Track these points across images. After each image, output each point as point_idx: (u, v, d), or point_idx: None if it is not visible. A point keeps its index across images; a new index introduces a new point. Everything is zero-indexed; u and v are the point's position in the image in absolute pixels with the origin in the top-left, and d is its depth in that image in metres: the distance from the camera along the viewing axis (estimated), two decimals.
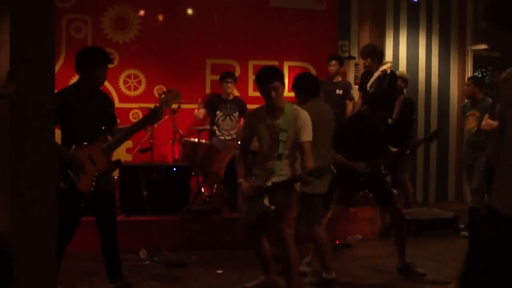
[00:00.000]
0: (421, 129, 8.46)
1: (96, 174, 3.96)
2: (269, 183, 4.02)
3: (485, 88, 6.56)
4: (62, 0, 7.05)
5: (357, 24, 8.26)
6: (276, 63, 7.45)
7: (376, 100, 5.08)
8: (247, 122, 4.35)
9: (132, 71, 7.40)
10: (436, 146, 8.66)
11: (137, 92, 7.42)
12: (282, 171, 4.06)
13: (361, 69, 7.41)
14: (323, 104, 5.03)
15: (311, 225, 4.62)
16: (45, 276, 3.16)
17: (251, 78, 7.57)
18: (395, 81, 6.66)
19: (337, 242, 5.97)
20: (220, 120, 7.05)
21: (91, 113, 4.01)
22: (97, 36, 7.19)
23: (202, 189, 6.53)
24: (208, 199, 6.41)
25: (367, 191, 5.67)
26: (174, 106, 5.86)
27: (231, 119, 7.07)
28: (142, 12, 7.42)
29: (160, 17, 7.53)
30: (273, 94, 4.03)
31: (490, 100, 6.07)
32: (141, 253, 5.37)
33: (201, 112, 7.12)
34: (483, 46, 8.01)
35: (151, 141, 6.62)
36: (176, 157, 6.94)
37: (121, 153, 6.78)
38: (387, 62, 6.79)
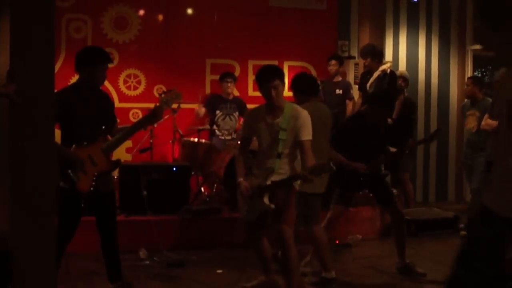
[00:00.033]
0: (421, 129, 8.45)
1: (96, 174, 3.96)
2: (268, 182, 4.02)
3: (485, 88, 6.56)
4: (62, 0, 7.05)
5: (357, 24, 8.26)
6: (276, 62, 7.41)
7: (376, 100, 5.08)
8: (247, 121, 4.35)
9: (132, 71, 7.40)
10: (436, 146, 8.65)
11: (137, 92, 7.42)
12: (281, 170, 4.06)
13: (361, 69, 7.41)
14: (321, 104, 5.06)
15: (310, 225, 4.62)
16: (45, 276, 3.16)
17: (251, 78, 7.57)
18: (395, 81, 6.66)
19: (337, 242, 5.97)
20: (220, 120, 7.05)
21: (91, 113, 4.01)
22: (97, 36, 7.18)
23: (202, 189, 6.53)
24: (208, 199, 6.41)
25: (367, 191, 5.68)
26: (174, 106, 5.86)
27: (230, 119, 7.07)
28: (142, 12, 7.42)
29: (160, 17, 7.53)
30: (273, 93, 4.03)
31: (490, 100, 6.08)
32: (141, 253, 5.37)
33: (202, 110, 7.10)
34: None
35: (151, 141, 6.62)
36: (176, 157, 6.94)
37: (121, 153, 6.78)
38: (387, 62, 6.79)
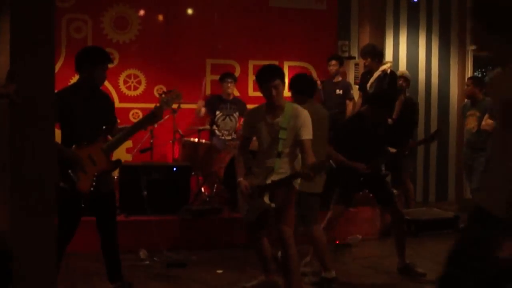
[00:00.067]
0: (421, 129, 8.45)
1: (96, 174, 3.96)
2: (268, 181, 4.02)
3: (485, 88, 6.56)
4: (62, 0, 7.05)
5: (357, 24, 8.26)
6: (276, 63, 7.36)
7: (376, 100, 5.08)
8: (247, 121, 4.36)
9: (132, 71, 7.40)
10: (436, 146, 8.65)
11: (137, 92, 7.42)
12: (281, 169, 4.07)
13: (361, 69, 7.41)
14: (319, 105, 5.10)
15: (309, 225, 4.62)
16: (45, 276, 3.16)
17: (251, 78, 7.58)
18: (395, 81, 6.66)
19: (337, 242, 5.97)
20: (220, 120, 7.04)
21: (91, 113, 4.01)
22: (97, 36, 7.19)
23: (202, 189, 6.53)
24: (208, 199, 6.41)
25: (367, 191, 5.68)
26: (174, 106, 5.86)
27: (230, 120, 7.07)
28: (142, 12, 7.42)
29: (160, 17, 7.53)
30: (274, 92, 4.04)
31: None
32: (141, 253, 5.37)
33: (202, 110, 7.08)
34: None
35: (151, 141, 6.62)
36: (176, 157, 6.94)
37: (121, 153, 6.78)
38: (387, 62, 6.79)
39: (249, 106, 6.75)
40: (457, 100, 8.73)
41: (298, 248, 4.17)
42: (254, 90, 7.49)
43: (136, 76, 7.42)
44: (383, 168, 5.45)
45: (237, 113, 7.09)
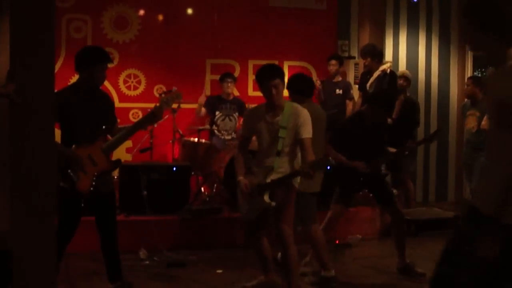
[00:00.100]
0: (421, 129, 8.44)
1: (96, 174, 3.96)
2: (268, 180, 4.03)
3: (485, 88, 6.55)
4: (62, 0, 7.05)
5: (357, 24, 8.26)
6: (276, 63, 7.40)
7: (375, 100, 5.08)
8: (246, 120, 4.36)
9: (132, 71, 7.40)
10: (436, 146, 8.66)
11: (137, 92, 7.43)
12: (281, 169, 4.07)
13: (361, 69, 7.41)
14: (317, 106, 5.11)
15: (307, 224, 4.63)
16: (45, 276, 3.16)
17: (251, 78, 7.58)
18: (395, 81, 6.66)
19: (337, 242, 5.97)
20: (219, 121, 7.04)
21: (91, 113, 4.01)
22: (97, 36, 7.19)
23: (202, 189, 6.53)
24: (208, 199, 6.41)
25: (367, 191, 5.68)
26: (174, 106, 5.87)
27: (230, 120, 7.07)
28: (142, 12, 7.43)
29: (160, 17, 7.54)
30: (274, 91, 4.04)
31: None
32: (141, 253, 5.37)
33: (203, 110, 7.08)
34: None
35: (151, 141, 6.62)
36: (176, 157, 6.94)
37: (121, 153, 6.79)
38: (387, 62, 6.78)
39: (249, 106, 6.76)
40: (457, 100, 8.73)
41: (297, 247, 4.17)
42: (254, 90, 7.49)
43: (136, 76, 7.42)
44: (382, 168, 5.44)
45: (237, 113, 7.09)
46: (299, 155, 4.12)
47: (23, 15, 3.08)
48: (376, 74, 6.54)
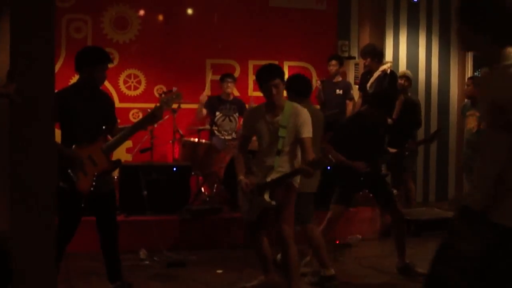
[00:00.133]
0: (421, 129, 8.41)
1: (96, 174, 3.96)
2: (268, 180, 4.03)
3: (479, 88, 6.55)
4: (62, 0, 7.05)
5: (357, 24, 8.26)
6: (276, 63, 7.40)
7: (376, 100, 5.08)
8: (246, 120, 4.37)
9: (132, 71, 7.41)
10: (436, 146, 8.66)
11: (137, 92, 7.43)
12: (281, 168, 4.07)
13: (361, 69, 7.41)
14: (314, 106, 5.12)
15: (305, 224, 4.63)
16: (45, 276, 3.16)
17: (251, 78, 7.58)
18: (395, 81, 6.66)
19: (337, 242, 5.97)
20: (220, 121, 7.05)
21: (91, 113, 4.01)
22: (97, 36, 7.19)
23: (202, 189, 6.53)
24: (208, 199, 6.41)
25: (367, 191, 5.68)
26: (174, 106, 5.87)
27: (230, 120, 7.07)
28: (142, 12, 7.43)
29: (160, 17, 7.54)
30: (274, 91, 4.05)
31: None
32: (141, 253, 5.37)
33: (204, 110, 7.08)
34: None
35: (151, 141, 6.62)
36: (176, 157, 6.94)
37: (121, 153, 6.79)
38: (387, 62, 6.78)
39: (248, 106, 6.77)
40: (457, 100, 8.73)
41: (297, 247, 4.18)
42: (254, 90, 7.49)
43: (136, 76, 7.42)
44: (383, 168, 5.44)
45: (237, 114, 7.09)
46: (299, 154, 4.13)
47: (23, 15, 3.08)
48: (376, 74, 6.54)
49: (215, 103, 7.08)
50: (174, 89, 6.00)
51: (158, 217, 5.75)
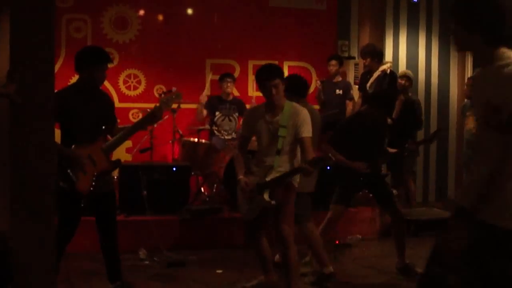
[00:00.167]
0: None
1: (95, 174, 3.96)
2: (268, 179, 4.04)
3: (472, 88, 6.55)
4: (62, 0, 7.05)
5: (357, 24, 8.26)
6: (276, 63, 7.40)
7: (375, 100, 5.08)
8: (246, 120, 4.37)
9: (132, 71, 7.40)
10: (436, 146, 8.66)
11: (137, 92, 7.43)
12: (281, 168, 4.08)
13: (361, 69, 7.41)
14: (311, 106, 5.14)
15: (302, 223, 4.63)
16: (45, 276, 3.16)
17: (251, 78, 7.58)
18: (395, 81, 6.66)
19: (337, 242, 5.97)
20: (219, 121, 7.05)
21: (91, 113, 4.01)
22: (97, 36, 7.19)
23: (202, 189, 6.53)
24: (207, 199, 6.41)
25: (367, 191, 5.68)
26: (174, 106, 5.87)
27: (230, 120, 7.07)
28: (142, 12, 7.43)
29: (160, 17, 7.54)
30: (274, 91, 4.05)
31: None
32: (141, 253, 5.37)
33: (204, 111, 7.08)
34: None
35: (151, 141, 6.62)
36: (176, 157, 6.94)
37: (121, 153, 6.79)
38: (387, 62, 6.78)
39: (249, 106, 6.77)
40: (457, 100, 8.73)
41: (297, 247, 4.18)
42: (254, 90, 7.49)
43: (135, 76, 7.42)
44: (382, 168, 5.44)
45: (237, 114, 7.09)
46: (298, 154, 4.14)
47: (23, 15, 3.08)
48: (376, 74, 6.54)
49: (215, 103, 7.08)
50: (174, 89, 6.01)
51: (158, 217, 5.75)
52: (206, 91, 7.25)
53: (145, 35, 7.41)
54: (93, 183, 3.94)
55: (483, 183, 2.31)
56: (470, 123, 6.37)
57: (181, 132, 6.80)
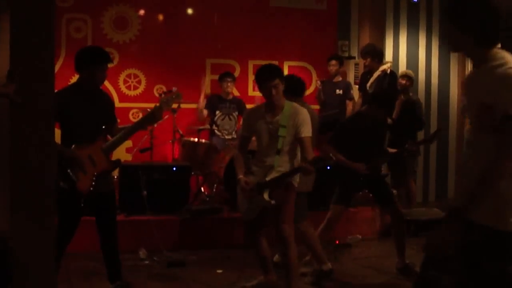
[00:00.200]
0: None
1: (95, 173, 3.96)
2: (268, 179, 4.04)
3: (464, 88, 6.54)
4: (62, 0, 7.05)
5: (357, 24, 8.26)
6: (276, 63, 7.39)
7: (376, 100, 5.08)
8: (246, 120, 4.38)
9: (132, 71, 7.40)
10: (436, 146, 8.66)
11: (137, 92, 7.43)
12: (281, 168, 4.09)
13: (361, 69, 7.41)
14: (308, 106, 5.13)
15: (298, 223, 4.63)
16: (45, 276, 3.16)
17: (251, 78, 7.58)
18: (395, 81, 6.66)
19: (337, 242, 5.97)
20: (219, 120, 7.05)
21: (91, 113, 4.01)
22: (97, 36, 7.19)
23: (202, 189, 6.53)
24: (207, 199, 6.41)
25: (367, 191, 5.67)
26: (174, 106, 5.87)
27: (230, 119, 7.08)
28: (142, 12, 7.42)
29: (160, 17, 7.54)
30: (273, 92, 4.07)
31: None
32: (141, 253, 5.37)
33: (204, 111, 7.08)
34: None
35: (151, 140, 6.62)
36: (176, 157, 6.94)
37: (121, 153, 6.78)
38: (387, 62, 6.78)
39: (249, 106, 6.76)
40: (457, 100, 8.73)
41: (298, 247, 4.18)
42: (254, 89, 7.49)
43: (136, 76, 7.42)
44: (382, 168, 5.44)
45: (237, 112, 7.10)
46: (298, 154, 4.14)
47: (23, 15, 3.08)
48: (376, 74, 6.54)
49: (215, 101, 7.09)
50: (174, 89, 6.01)
51: (158, 217, 5.74)
52: (203, 96, 7.22)
53: (145, 35, 7.41)
54: (93, 183, 3.94)
55: (475, 184, 2.31)
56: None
57: (181, 132, 6.80)
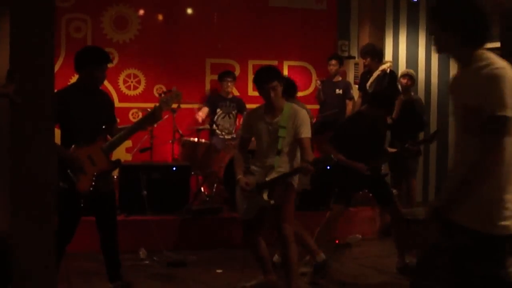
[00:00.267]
0: None
1: (95, 174, 3.96)
2: (268, 179, 4.04)
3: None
4: (62, 0, 7.05)
5: (357, 24, 8.26)
6: (276, 62, 7.48)
7: (375, 100, 5.08)
8: (246, 121, 4.40)
9: (131, 71, 7.40)
10: (436, 146, 8.65)
11: (137, 92, 7.43)
12: (281, 168, 4.10)
13: (361, 69, 7.40)
14: (302, 104, 5.16)
15: None
16: (45, 276, 3.16)
17: (251, 77, 7.56)
18: (395, 81, 6.66)
19: (337, 242, 5.97)
20: (219, 119, 7.06)
21: (90, 113, 4.01)
22: (97, 36, 7.19)
23: (202, 189, 6.53)
24: (207, 199, 6.41)
25: (367, 191, 5.68)
26: (174, 106, 5.87)
27: (229, 117, 7.09)
28: (142, 12, 7.42)
29: (160, 17, 7.54)
30: (272, 94, 4.08)
31: None
32: (141, 252, 5.37)
33: (203, 111, 7.10)
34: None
35: (151, 140, 6.62)
36: (176, 156, 6.94)
37: (121, 153, 6.78)
38: (387, 62, 6.78)
39: (249, 106, 6.76)
40: None
41: (298, 248, 4.18)
42: (254, 89, 7.47)
43: (135, 76, 7.42)
44: (383, 168, 5.44)
45: (236, 111, 7.11)
46: (298, 154, 4.15)
47: (23, 15, 3.08)
48: (376, 74, 6.54)
49: (216, 99, 7.10)
50: (174, 89, 5.97)
51: (158, 217, 5.75)
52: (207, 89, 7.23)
53: (145, 35, 7.41)
54: (93, 183, 3.94)
55: (458, 184, 2.32)
56: None
57: (181, 132, 6.80)
